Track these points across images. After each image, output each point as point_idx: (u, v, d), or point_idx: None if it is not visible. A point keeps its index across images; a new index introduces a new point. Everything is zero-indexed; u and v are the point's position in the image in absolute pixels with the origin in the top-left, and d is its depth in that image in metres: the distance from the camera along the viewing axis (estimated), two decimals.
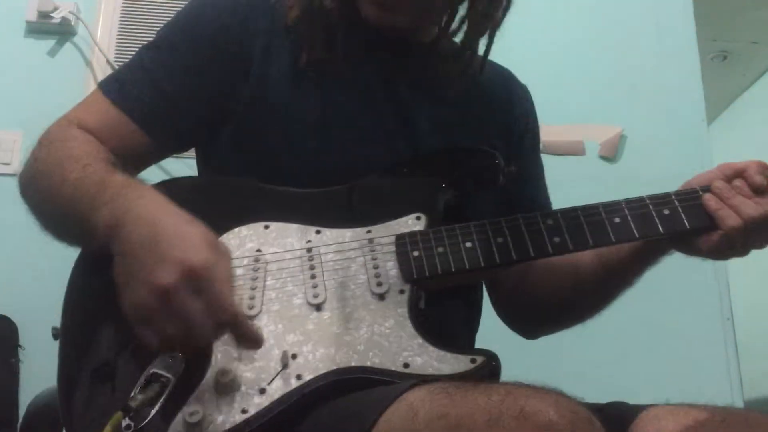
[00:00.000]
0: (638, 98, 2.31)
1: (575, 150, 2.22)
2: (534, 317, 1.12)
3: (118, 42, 2.12)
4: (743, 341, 2.15)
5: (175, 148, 1.02)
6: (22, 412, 1.64)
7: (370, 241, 0.87)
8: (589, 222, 0.88)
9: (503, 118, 1.10)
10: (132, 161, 0.93)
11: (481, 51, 1.05)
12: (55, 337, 0.85)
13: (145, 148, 0.96)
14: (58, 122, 0.96)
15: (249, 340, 0.74)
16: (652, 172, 2.11)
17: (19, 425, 1.37)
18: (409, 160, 0.96)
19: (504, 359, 0.78)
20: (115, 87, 0.97)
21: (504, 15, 1.02)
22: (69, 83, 2.04)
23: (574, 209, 0.89)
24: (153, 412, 0.74)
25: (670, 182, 0.93)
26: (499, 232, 0.87)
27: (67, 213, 0.85)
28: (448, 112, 1.04)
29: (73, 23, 2.08)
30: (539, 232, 0.88)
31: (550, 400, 0.58)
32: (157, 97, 0.95)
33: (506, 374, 0.76)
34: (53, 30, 2.09)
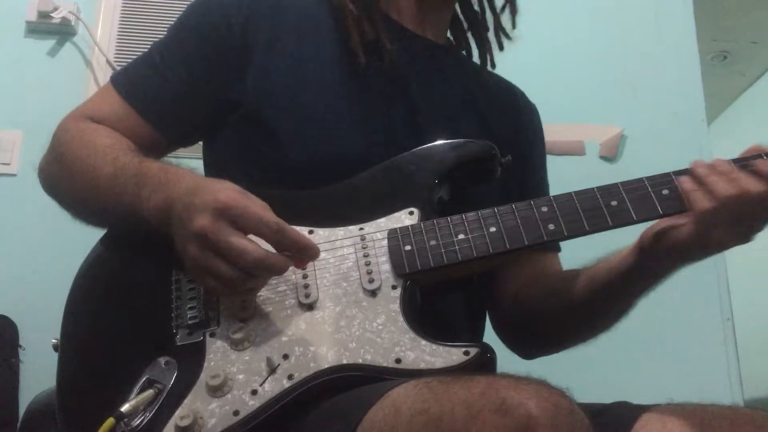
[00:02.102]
0: (638, 98, 2.30)
1: (575, 150, 2.22)
2: (529, 338, 1.08)
3: (118, 42, 2.11)
4: (743, 341, 2.15)
5: (184, 141, 1.04)
6: (22, 412, 1.64)
7: (362, 238, 0.87)
8: (584, 208, 0.85)
9: (509, 123, 1.11)
10: (141, 152, 0.94)
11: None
12: (56, 349, 0.86)
13: (155, 141, 0.98)
14: (70, 117, 0.98)
15: (304, 248, 0.77)
16: (652, 172, 2.10)
17: (18, 425, 1.37)
18: (403, 155, 0.94)
19: (505, 358, 0.78)
20: (125, 82, 0.99)
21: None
22: (69, 83, 2.03)
23: (569, 194, 0.87)
24: (146, 418, 0.75)
25: None
26: (491, 222, 0.85)
27: (106, 207, 0.88)
28: (454, 112, 1.05)
29: (73, 23, 2.08)
30: (533, 220, 0.85)
31: (531, 392, 0.57)
32: (162, 91, 0.97)
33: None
34: (53, 30, 2.08)
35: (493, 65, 1.15)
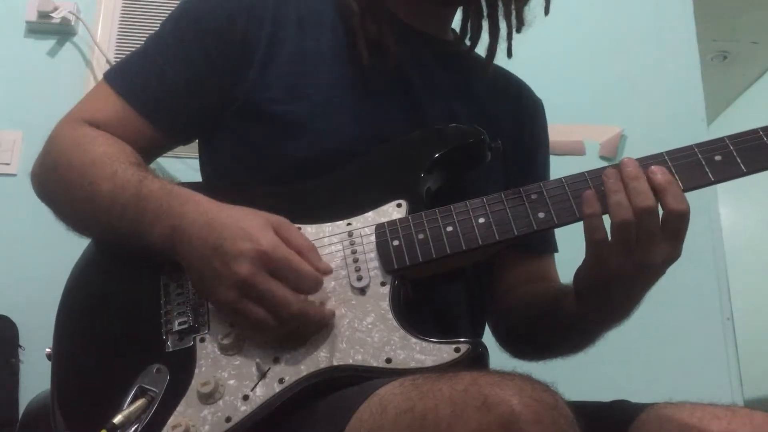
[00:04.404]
0: (638, 98, 2.30)
1: (575, 150, 2.22)
2: (516, 340, 1.07)
3: (118, 42, 2.11)
4: (743, 341, 2.15)
5: (182, 138, 1.02)
6: (22, 412, 1.64)
7: (350, 233, 0.85)
8: (575, 196, 0.82)
9: (513, 117, 1.10)
10: (141, 152, 0.93)
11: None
12: (50, 358, 0.85)
13: (153, 139, 0.96)
14: (66, 121, 0.96)
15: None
16: None
17: (18, 425, 1.37)
18: (391, 146, 0.93)
19: (500, 354, 0.77)
20: (120, 78, 0.96)
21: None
22: (69, 83, 2.03)
23: (559, 180, 0.84)
24: (139, 428, 0.74)
25: None
26: (480, 213, 0.83)
27: (104, 226, 0.86)
28: (456, 107, 1.04)
29: (73, 23, 2.08)
30: (523, 209, 0.82)
31: (514, 389, 0.56)
32: (163, 88, 0.95)
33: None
34: (53, 30, 2.08)
35: (510, 55, 1.10)
